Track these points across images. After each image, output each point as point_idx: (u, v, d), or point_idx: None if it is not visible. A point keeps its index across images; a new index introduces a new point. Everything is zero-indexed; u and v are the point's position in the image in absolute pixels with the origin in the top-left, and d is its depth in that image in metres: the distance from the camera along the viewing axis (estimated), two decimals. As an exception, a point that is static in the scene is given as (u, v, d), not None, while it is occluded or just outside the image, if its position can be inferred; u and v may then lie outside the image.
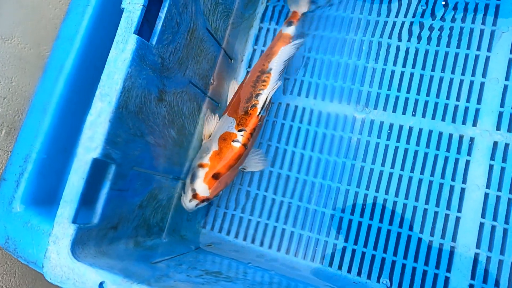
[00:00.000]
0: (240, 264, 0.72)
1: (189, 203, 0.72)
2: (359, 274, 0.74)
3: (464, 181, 0.73)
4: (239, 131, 0.73)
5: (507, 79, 0.75)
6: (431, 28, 0.81)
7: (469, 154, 0.74)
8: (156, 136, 0.67)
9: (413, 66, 0.80)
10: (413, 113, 0.78)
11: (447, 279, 0.70)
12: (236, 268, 0.70)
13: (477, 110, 0.75)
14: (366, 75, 0.82)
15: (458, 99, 0.77)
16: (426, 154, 0.76)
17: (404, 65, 0.81)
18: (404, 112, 0.79)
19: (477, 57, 0.77)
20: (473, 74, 0.77)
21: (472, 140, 0.74)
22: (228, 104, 0.81)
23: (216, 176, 0.71)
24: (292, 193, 0.81)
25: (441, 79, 0.78)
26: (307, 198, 0.80)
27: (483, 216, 0.71)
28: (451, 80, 0.78)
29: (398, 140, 0.78)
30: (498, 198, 0.71)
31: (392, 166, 0.77)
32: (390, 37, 0.83)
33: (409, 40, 0.81)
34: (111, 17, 0.70)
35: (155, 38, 0.60)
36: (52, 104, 0.70)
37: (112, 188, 0.57)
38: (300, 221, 0.79)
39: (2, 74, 0.71)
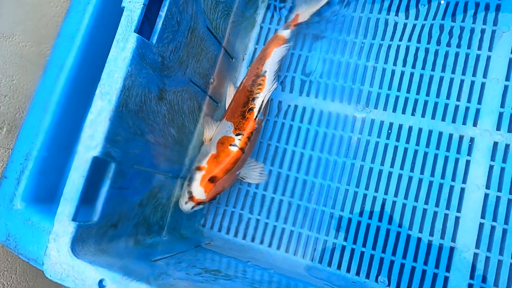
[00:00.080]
0: (239, 263, 0.72)
1: (185, 205, 0.73)
2: (357, 273, 0.74)
3: (464, 181, 0.73)
4: (237, 135, 0.74)
5: (507, 79, 0.75)
6: (431, 28, 0.81)
7: (469, 154, 0.74)
8: (156, 134, 0.67)
9: (413, 66, 0.80)
10: (413, 112, 0.78)
11: (446, 279, 0.70)
12: (235, 266, 0.70)
13: (478, 110, 0.75)
14: (366, 74, 0.82)
15: (458, 99, 0.77)
16: (425, 154, 0.76)
17: (404, 65, 0.81)
18: (404, 112, 0.79)
19: (477, 56, 0.77)
20: (474, 74, 0.77)
21: (472, 140, 0.74)
22: (226, 109, 0.82)
23: (212, 180, 0.72)
24: (291, 192, 0.81)
25: (441, 79, 0.78)
26: (306, 197, 0.80)
27: (482, 216, 0.71)
28: (451, 80, 0.78)
29: (397, 140, 0.78)
30: (498, 198, 0.71)
31: (392, 166, 0.77)
32: (391, 37, 0.83)
33: (409, 40, 0.81)
34: (111, 15, 0.70)
35: (155, 37, 0.61)
36: (53, 102, 0.71)
37: (112, 187, 0.58)
38: (299, 220, 0.80)
39: (3, 72, 0.71)
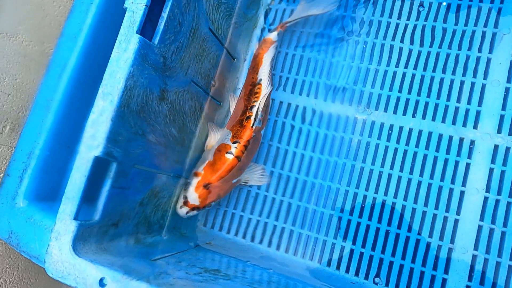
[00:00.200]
0: (239, 262, 0.73)
1: (179, 209, 0.74)
2: (356, 274, 0.75)
3: (463, 184, 0.73)
4: (234, 143, 0.74)
5: (508, 81, 0.75)
6: (432, 30, 0.81)
7: (469, 157, 0.74)
8: (158, 134, 0.68)
9: (415, 67, 0.80)
10: (414, 114, 0.78)
11: (444, 281, 0.70)
12: (235, 266, 0.71)
13: (478, 113, 0.75)
14: (368, 76, 0.83)
15: (458, 101, 0.77)
16: (425, 156, 0.76)
17: (406, 66, 0.81)
18: (404, 113, 0.79)
19: (478, 59, 0.77)
20: (474, 76, 0.77)
21: (472, 142, 0.74)
22: (229, 118, 0.83)
23: (207, 186, 0.73)
24: (292, 192, 0.82)
25: (441, 81, 0.78)
26: (307, 198, 0.81)
27: (481, 219, 0.71)
28: (452, 82, 0.78)
29: (398, 142, 0.78)
30: (497, 201, 0.71)
31: (392, 168, 0.77)
32: (393, 38, 0.83)
33: (411, 42, 0.81)
34: (114, 16, 0.71)
35: (157, 38, 0.61)
36: (55, 101, 0.71)
37: (113, 186, 0.58)
38: (299, 220, 0.80)
39: (7, 71, 0.72)
